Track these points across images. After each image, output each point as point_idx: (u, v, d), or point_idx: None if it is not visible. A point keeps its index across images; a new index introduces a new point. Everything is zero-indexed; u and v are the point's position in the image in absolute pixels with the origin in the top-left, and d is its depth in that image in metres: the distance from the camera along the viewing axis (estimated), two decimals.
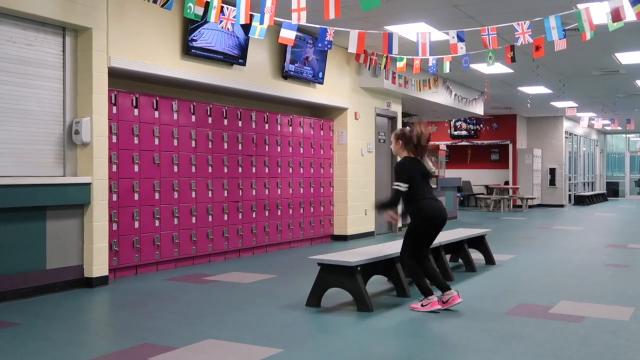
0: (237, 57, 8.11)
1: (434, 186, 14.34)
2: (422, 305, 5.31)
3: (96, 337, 4.77)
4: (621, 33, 7.76)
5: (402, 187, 5.25)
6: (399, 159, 5.57)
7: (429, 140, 5.46)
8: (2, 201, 5.55)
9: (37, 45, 6.03)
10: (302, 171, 9.95)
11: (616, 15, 5.79)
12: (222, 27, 6.13)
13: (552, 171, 21.93)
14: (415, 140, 5.39)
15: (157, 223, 7.32)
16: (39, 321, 4.96)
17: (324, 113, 10.75)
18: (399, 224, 12.10)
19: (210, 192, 8.09)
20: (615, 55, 11.17)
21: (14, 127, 5.85)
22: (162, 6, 5.80)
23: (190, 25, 7.32)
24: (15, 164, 5.86)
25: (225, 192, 8.35)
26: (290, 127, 9.70)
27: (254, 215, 8.86)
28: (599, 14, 6.27)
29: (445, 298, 5.31)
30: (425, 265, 5.40)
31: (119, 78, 7.06)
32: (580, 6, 6.19)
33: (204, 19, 6.05)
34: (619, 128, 22.78)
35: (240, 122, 8.62)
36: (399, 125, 12.84)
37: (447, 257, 7.14)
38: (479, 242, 7.94)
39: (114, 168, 6.82)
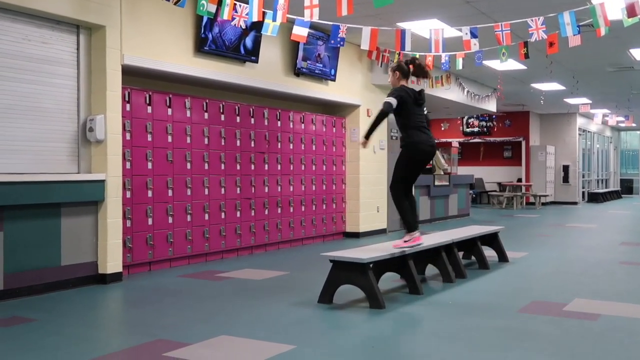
0: (250, 54, 8.12)
1: (445, 183, 14.34)
2: (404, 241, 5.54)
3: (110, 333, 4.81)
4: (636, 29, 7.69)
5: (393, 101, 5.43)
6: None
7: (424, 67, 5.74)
8: (17, 198, 5.60)
9: (52, 43, 6.07)
10: (314, 168, 9.95)
11: (631, 10, 5.75)
12: (235, 25, 6.14)
13: (566, 168, 21.79)
14: (413, 71, 5.61)
15: (170, 220, 7.35)
16: (54, 317, 5.01)
17: (336, 110, 10.74)
18: None
19: (222, 189, 8.12)
20: (630, 51, 11.07)
21: (29, 124, 5.89)
22: (175, 4, 5.82)
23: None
24: (30, 161, 5.91)
25: (238, 189, 8.37)
26: (303, 124, 9.71)
27: (266, 212, 8.88)
28: (614, 10, 6.23)
29: (406, 237, 5.62)
30: (409, 199, 5.65)
31: (132, 75, 7.09)
32: (595, 2, 6.15)
33: (216, 17, 6.07)
34: (634, 125, 22.61)
35: (252, 120, 8.63)
36: None
37: (460, 254, 7.12)
38: (492, 240, 7.91)
39: (128, 165, 6.85)
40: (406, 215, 5.58)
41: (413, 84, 5.76)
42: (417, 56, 5.73)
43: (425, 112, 5.85)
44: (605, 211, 18.27)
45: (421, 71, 5.75)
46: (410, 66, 5.69)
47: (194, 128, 7.69)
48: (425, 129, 5.63)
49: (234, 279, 6.74)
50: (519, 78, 14.02)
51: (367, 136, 5.61)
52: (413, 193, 5.86)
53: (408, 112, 5.54)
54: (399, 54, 8.05)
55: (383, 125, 11.35)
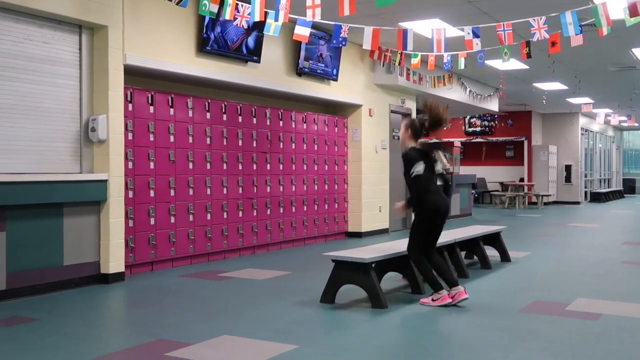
0: (252, 54, 8.13)
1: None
2: (432, 300, 5.33)
3: (112, 333, 4.81)
4: (638, 28, 7.68)
5: (420, 170, 5.20)
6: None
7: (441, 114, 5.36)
8: (19, 198, 5.61)
9: (54, 43, 6.08)
10: (316, 168, 9.95)
11: (634, 10, 5.74)
12: (237, 24, 6.14)
13: (568, 168, 21.77)
14: (431, 118, 5.31)
15: (172, 220, 7.36)
16: (56, 317, 5.01)
17: (338, 110, 10.74)
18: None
19: (225, 189, 8.12)
20: (632, 50, 11.06)
21: (32, 124, 5.90)
22: (177, 4, 5.82)
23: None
24: (32, 161, 5.92)
25: (240, 189, 8.38)
26: (305, 124, 9.71)
27: (268, 212, 8.88)
28: (616, 9, 6.22)
29: (452, 293, 5.31)
30: (433, 259, 5.41)
31: (134, 75, 7.10)
32: (597, 1, 6.14)
33: (219, 17, 6.07)
34: (636, 124, 22.57)
35: (254, 119, 8.64)
36: None
37: (463, 254, 7.12)
38: (494, 239, 7.90)
39: (130, 165, 6.86)
40: (428, 276, 5.35)
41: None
42: (431, 106, 5.34)
43: (439, 171, 5.53)
44: (607, 211, 18.25)
45: (437, 124, 5.40)
46: (425, 123, 5.40)
47: (196, 128, 7.69)
48: (439, 191, 5.40)
49: (236, 278, 6.74)
50: (521, 78, 14.01)
51: (411, 205, 5.40)
52: (438, 250, 5.61)
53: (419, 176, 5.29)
54: (401, 54, 8.05)
55: (385, 125, 11.41)
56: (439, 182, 5.51)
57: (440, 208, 5.38)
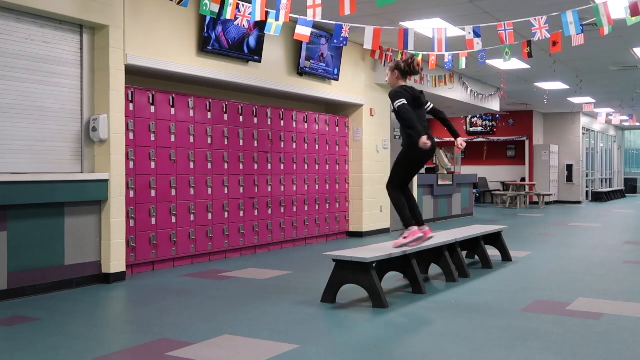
0: (253, 53, 8.13)
1: (448, 182, 14.33)
2: (404, 238, 5.53)
3: (114, 333, 4.81)
4: None
5: (404, 101, 5.42)
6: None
7: (420, 65, 5.77)
8: (21, 198, 5.61)
9: (55, 43, 6.08)
10: (317, 168, 9.96)
11: (635, 9, 5.74)
12: (238, 24, 6.14)
13: (569, 167, 21.76)
14: (411, 69, 5.62)
15: (173, 219, 7.36)
16: (57, 316, 5.02)
17: (339, 110, 10.74)
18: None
19: (226, 189, 8.13)
20: (633, 50, 11.05)
21: (33, 124, 5.91)
22: (178, 3, 5.83)
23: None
24: (33, 160, 5.92)
25: (241, 188, 8.38)
26: (306, 124, 9.71)
27: (269, 211, 8.88)
28: (618, 9, 6.22)
29: (406, 234, 5.60)
30: (406, 195, 5.66)
31: (135, 75, 7.10)
32: (598, 0, 6.13)
33: (219, 16, 6.08)
34: (637, 124, 22.56)
35: (255, 119, 8.64)
36: None
37: (464, 253, 7.12)
38: (495, 239, 7.90)
39: (131, 165, 6.87)
40: (403, 211, 5.59)
41: (417, 83, 5.76)
42: (419, 56, 5.69)
43: (430, 107, 5.84)
44: (609, 210, 18.23)
45: (413, 70, 5.72)
46: (410, 64, 5.68)
47: (197, 128, 7.70)
48: (426, 128, 5.62)
49: (237, 278, 6.74)
50: (522, 77, 14.00)
51: (420, 132, 5.39)
52: (414, 191, 5.85)
53: None
54: (402, 54, 8.05)
55: (386, 125, 11.41)
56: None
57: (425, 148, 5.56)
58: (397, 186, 5.65)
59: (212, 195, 7.92)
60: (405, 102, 5.44)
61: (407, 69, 5.67)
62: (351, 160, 10.78)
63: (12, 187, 5.54)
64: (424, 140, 5.35)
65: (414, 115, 5.44)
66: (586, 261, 8.00)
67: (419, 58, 5.82)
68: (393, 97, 5.53)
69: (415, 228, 5.57)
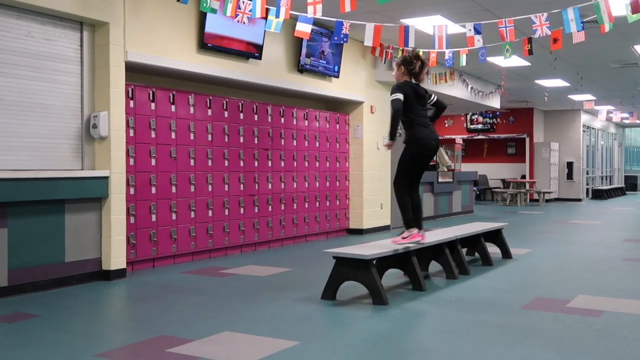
0: (253, 50, 8.12)
1: (449, 180, 14.33)
2: (402, 238, 5.53)
3: (114, 329, 4.82)
4: None
5: (400, 96, 5.37)
6: None
7: (427, 66, 5.72)
8: (21, 194, 5.61)
9: (55, 40, 6.08)
10: (317, 165, 9.95)
11: (636, 6, 5.73)
12: (238, 21, 6.14)
13: (570, 165, 21.75)
14: (418, 68, 5.55)
15: (174, 216, 7.36)
16: (58, 313, 5.02)
17: (340, 107, 10.74)
18: None
19: (226, 186, 8.13)
20: (634, 47, 11.04)
21: (33, 121, 5.91)
22: (178, 0, 5.83)
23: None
24: (33, 157, 5.92)
25: (242, 185, 8.38)
26: (306, 121, 9.71)
27: (270, 208, 8.89)
28: (618, 6, 6.21)
29: (405, 234, 5.61)
30: (412, 196, 5.62)
31: (135, 72, 7.10)
32: None
33: (220, 13, 6.07)
34: (638, 121, 22.52)
35: (256, 116, 8.64)
36: None
37: (464, 250, 7.12)
38: (495, 236, 7.91)
39: (132, 162, 6.87)
40: (406, 211, 5.57)
41: (422, 81, 5.70)
42: (421, 53, 5.67)
43: (434, 100, 5.78)
44: (609, 208, 18.23)
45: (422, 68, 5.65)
46: (415, 61, 5.60)
47: (198, 125, 7.70)
48: (429, 124, 5.61)
49: (237, 275, 6.75)
50: (523, 74, 14.00)
51: (393, 137, 5.48)
52: (419, 191, 5.83)
53: (411, 108, 5.48)
54: (402, 51, 8.04)
55: (386, 122, 11.37)
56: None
57: (429, 141, 5.55)
58: (403, 185, 5.60)
59: (213, 193, 7.92)
60: (400, 98, 5.38)
61: (414, 65, 5.55)
62: (351, 157, 10.78)
63: (12, 183, 5.55)
64: (386, 143, 5.52)
65: (400, 115, 5.41)
66: (586, 259, 8.00)
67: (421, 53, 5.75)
68: (392, 90, 5.51)
69: (415, 230, 5.56)
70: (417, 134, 5.51)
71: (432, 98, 5.77)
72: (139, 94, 6.98)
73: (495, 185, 21.19)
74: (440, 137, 6.07)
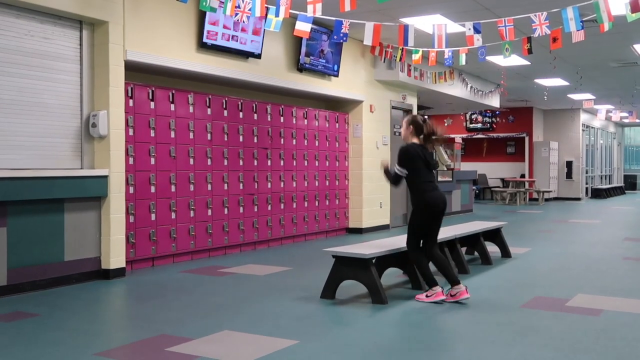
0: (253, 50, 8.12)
1: (448, 179, 14.33)
2: (426, 296, 5.35)
3: (113, 328, 4.82)
4: None
5: (403, 172, 5.35)
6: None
7: (441, 137, 5.55)
8: (20, 193, 5.61)
9: (55, 39, 6.07)
10: (317, 164, 9.95)
11: (635, 5, 5.73)
12: (238, 20, 6.13)
13: (569, 164, 21.75)
14: (427, 130, 5.42)
15: (173, 215, 7.36)
16: (57, 312, 5.02)
17: (339, 106, 10.73)
18: None
19: (225, 185, 8.12)
20: (633, 46, 11.04)
21: (32, 120, 5.90)
22: None
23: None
24: (33, 156, 5.92)
25: (241, 184, 8.38)
26: (306, 120, 9.70)
27: (269, 207, 8.88)
28: (618, 5, 6.21)
29: (453, 292, 5.31)
30: (433, 254, 5.41)
31: (135, 71, 7.09)
32: None
33: (219, 12, 6.06)
34: (637, 120, 22.54)
35: (255, 115, 8.63)
36: None
37: (463, 249, 7.12)
38: (495, 235, 7.91)
39: (131, 161, 6.86)
40: (424, 270, 5.38)
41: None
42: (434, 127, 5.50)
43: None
44: (608, 207, 18.24)
45: (433, 136, 5.48)
46: (425, 126, 5.45)
47: (197, 124, 7.69)
48: (436, 187, 5.44)
49: (236, 274, 6.75)
50: (522, 74, 13.99)
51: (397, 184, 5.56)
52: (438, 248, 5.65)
53: (418, 172, 5.35)
54: (402, 50, 8.04)
55: (386, 121, 11.40)
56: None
57: (437, 205, 5.40)
58: (416, 246, 5.43)
59: (212, 192, 7.91)
60: (402, 175, 5.33)
61: (423, 126, 5.43)
62: (351, 156, 10.78)
63: (11, 182, 5.54)
64: (383, 162, 5.60)
65: (397, 186, 5.51)
66: (586, 258, 8.01)
67: (442, 130, 5.63)
68: (399, 154, 5.40)
69: (438, 290, 5.31)
70: (426, 199, 5.34)
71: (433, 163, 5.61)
72: (138, 93, 6.98)
73: (494, 185, 21.19)
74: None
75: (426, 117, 5.62)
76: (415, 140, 5.45)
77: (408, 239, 5.49)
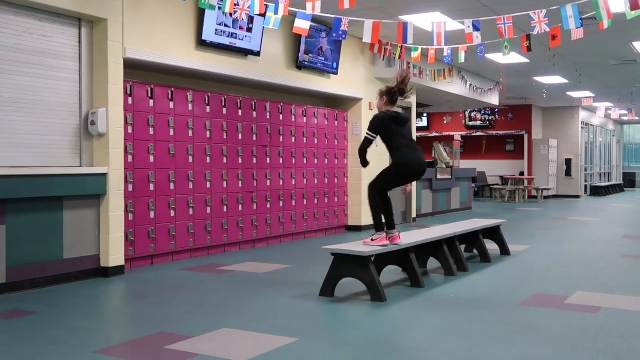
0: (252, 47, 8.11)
1: (447, 176, 14.33)
2: (372, 240, 5.53)
3: (112, 326, 4.82)
4: (639, 22, 7.66)
5: (372, 136, 5.48)
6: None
7: (407, 75, 5.71)
8: (19, 191, 5.61)
9: (53, 37, 6.07)
10: (316, 162, 9.95)
11: (634, 3, 5.73)
12: (237, 18, 6.13)
13: (568, 162, 21.76)
14: (397, 86, 5.59)
15: (172, 213, 7.36)
16: (56, 310, 5.02)
17: (339, 104, 10.73)
18: (414, 215, 12.15)
19: (225, 183, 8.12)
20: (633, 44, 11.04)
21: (31, 118, 5.90)
22: None
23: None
24: (32, 154, 5.91)
25: (240, 182, 8.38)
26: (305, 118, 9.70)
27: (268, 205, 8.88)
28: (617, 3, 6.20)
29: (389, 235, 5.56)
30: (385, 199, 5.62)
31: (134, 69, 7.09)
32: None
33: (218, 10, 6.06)
34: (636, 118, 22.55)
35: (254, 113, 8.63)
36: (414, 117, 12.80)
37: (462, 247, 7.12)
38: (494, 233, 7.91)
39: (130, 159, 6.86)
40: (376, 215, 5.60)
41: (415, 77, 5.70)
42: (407, 74, 5.68)
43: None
44: (607, 205, 18.25)
45: (401, 93, 5.68)
46: (397, 89, 5.63)
47: (196, 121, 7.69)
48: (414, 147, 5.61)
49: (235, 272, 6.75)
50: (521, 71, 13.99)
51: (365, 165, 5.66)
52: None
53: (391, 134, 5.51)
54: (401, 47, 8.04)
55: None
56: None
57: (414, 166, 5.59)
58: (378, 192, 5.61)
59: (211, 189, 7.91)
60: (371, 138, 5.46)
61: (396, 93, 5.61)
62: (350, 154, 10.77)
63: (11, 180, 5.54)
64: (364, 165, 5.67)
65: (364, 153, 5.56)
66: (585, 255, 8.01)
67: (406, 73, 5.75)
68: (370, 122, 5.54)
69: (383, 234, 5.54)
70: (401, 157, 5.52)
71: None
72: (137, 90, 6.97)
73: (493, 182, 21.19)
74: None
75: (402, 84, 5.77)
76: (387, 109, 5.61)
77: (376, 181, 5.61)
